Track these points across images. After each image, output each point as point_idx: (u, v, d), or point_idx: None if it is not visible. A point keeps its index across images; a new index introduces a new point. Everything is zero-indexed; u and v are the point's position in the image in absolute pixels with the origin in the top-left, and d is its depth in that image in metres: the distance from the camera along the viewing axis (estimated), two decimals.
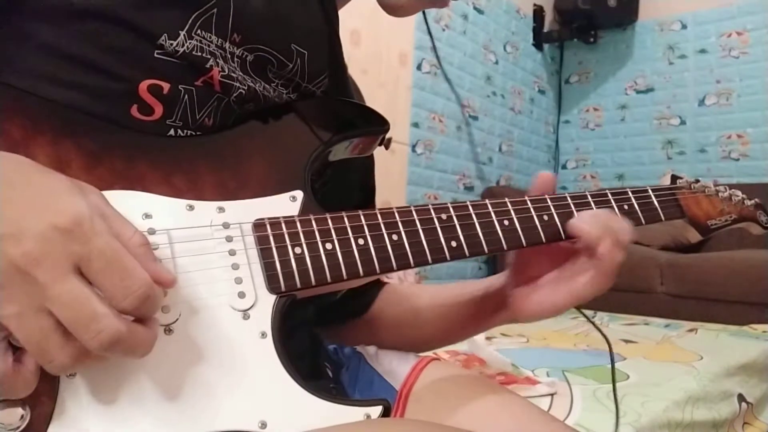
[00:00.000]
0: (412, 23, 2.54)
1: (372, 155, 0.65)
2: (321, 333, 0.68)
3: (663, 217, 0.60)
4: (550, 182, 0.56)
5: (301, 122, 0.52)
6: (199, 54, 0.47)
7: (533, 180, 0.56)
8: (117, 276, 0.32)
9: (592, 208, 0.56)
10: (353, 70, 0.69)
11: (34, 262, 0.30)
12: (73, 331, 0.31)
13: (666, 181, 0.64)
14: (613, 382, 0.62)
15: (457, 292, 0.65)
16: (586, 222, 0.51)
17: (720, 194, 0.65)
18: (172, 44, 0.45)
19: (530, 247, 0.53)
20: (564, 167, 3.65)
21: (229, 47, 0.49)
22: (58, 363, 0.32)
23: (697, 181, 0.65)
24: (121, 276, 0.32)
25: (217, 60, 0.48)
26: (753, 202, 0.67)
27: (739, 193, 0.66)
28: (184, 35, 0.46)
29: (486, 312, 0.61)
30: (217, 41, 0.48)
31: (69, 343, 0.31)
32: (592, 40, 3.45)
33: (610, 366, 1.22)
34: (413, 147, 2.61)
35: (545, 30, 3.49)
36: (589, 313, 2.13)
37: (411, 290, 0.71)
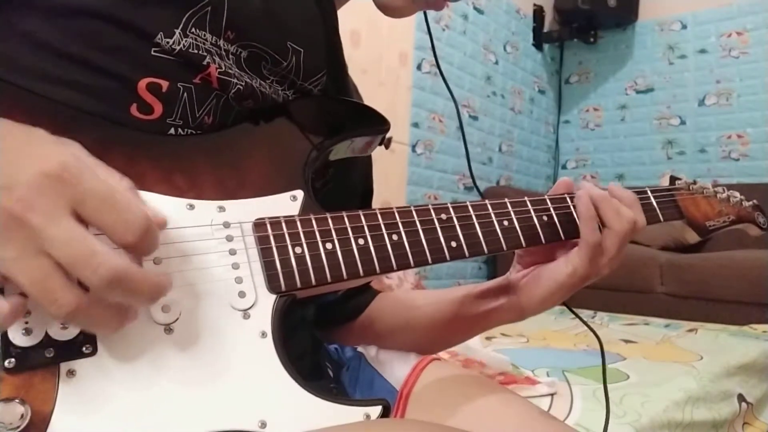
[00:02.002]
0: (413, 23, 2.54)
1: (370, 155, 0.66)
2: (319, 335, 0.68)
3: (662, 218, 0.60)
4: (569, 186, 0.58)
5: (301, 121, 0.52)
6: (195, 51, 0.47)
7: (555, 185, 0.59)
8: (115, 210, 0.32)
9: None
10: (353, 70, 0.69)
11: (28, 206, 0.31)
12: (72, 269, 0.31)
13: (665, 182, 0.64)
14: (604, 381, 0.61)
15: (454, 291, 0.65)
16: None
17: (718, 195, 0.65)
18: (168, 42, 0.46)
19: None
20: (564, 167, 3.65)
21: (224, 44, 0.49)
22: (64, 302, 0.31)
23: (695, 182, 0.65)
24: (119, 210, 0.32)
25: (213, 57, 0.48)
26: (751, 203, 0.67)
27: (737, 194, 0.66)
28: (179, 33, 0.46)
29: (488, 306, 0.62)
30: (212, 39, 0.48)
31: (72, 283, 0.31)
32: (592, 40, 3.45)
33: (610, 366, 1.22)
34: (413, 147, 2.61)
35: (545, 30, 3.49)
36: (589, 312, 2.13)
37: (408, 295, 0.71)
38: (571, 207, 0.55)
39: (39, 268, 0.31)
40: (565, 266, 0.54)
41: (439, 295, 0.66)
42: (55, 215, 0.31)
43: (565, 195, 0.56)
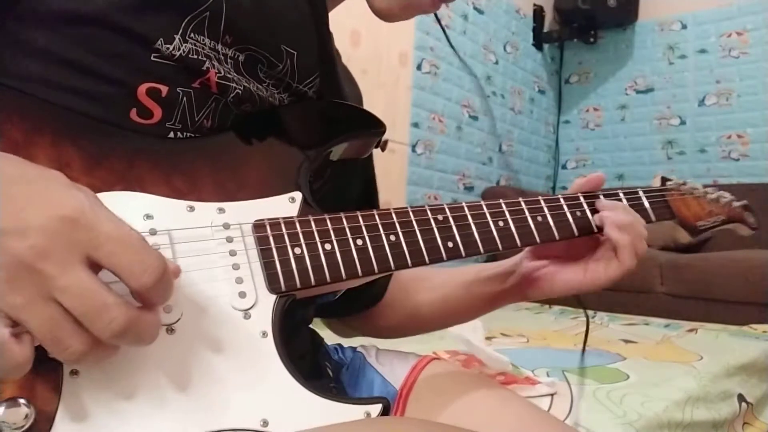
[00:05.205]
0: (412, 23, 2.54)
1: (371, 157, 0.66)
2: (333, 324, 0.70)
3: (653, 218, 0.61)
4: (599, 182, 0.60)
5: (299, 124, 0.53)
6: (195, 57, 0.48)
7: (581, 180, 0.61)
8: (133, 253, 0.32)
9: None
10: (353, 70, 0.70)
11: (41, 254, 0.30)
12: (84, 321, 0.31)
13: (656, 183, 0.65)
14: (584, 348, 0.64)
15: (464, 273, 0.67)
16: (614, 215, 0.56)
17: (708, 196, 0.66)
18: (168, 48, 0.46)
19: None
20: (564, 167, 3.65)
21: (222, 49, 0.50)
22: (74, 350, 0.31)
23: (685, 183, 0.66)
24: (136, 251, 0.32)
25: (213, 62, 0.49)
26: (741, 203, 0.68)
27: (727, 194, 0.67)
28: (179, 39, 0.46)
29: (494, 290, 0.64)
30: (210, 43, 0.49)
31: (81, 330, 0.31)
32: (592, 40, 3.45)
33: (610, 366, 1.23)
34: (413, 147, 2.61)
35: (545, 30, 3.49)
36: (589, 312, 2.13)
37: (418, 275, 0.72)
38: (565, 207, 0.56)
39: (48, 316, 0.31)
40: (591, 281, 0.57)
41: (450, 276, 0.68)
42: (68, 264, 0.31)
43: (559, 196, 0.57)
